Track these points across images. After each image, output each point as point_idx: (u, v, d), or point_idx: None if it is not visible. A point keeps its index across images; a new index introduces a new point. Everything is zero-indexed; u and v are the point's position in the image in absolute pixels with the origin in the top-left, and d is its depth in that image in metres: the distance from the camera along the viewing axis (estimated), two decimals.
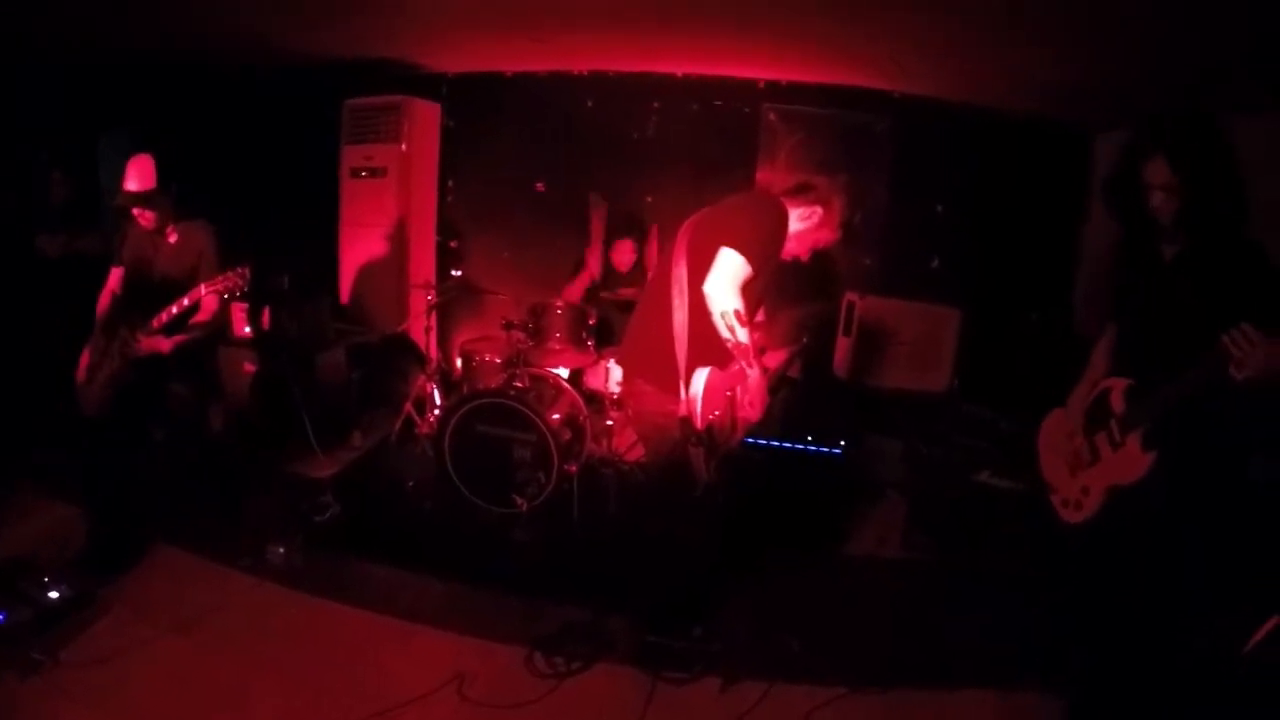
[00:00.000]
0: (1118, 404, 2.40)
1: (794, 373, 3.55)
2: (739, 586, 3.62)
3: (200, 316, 3.65)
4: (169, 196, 3.66)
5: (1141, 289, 2.46)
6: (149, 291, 3.66)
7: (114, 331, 3.66)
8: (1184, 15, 3.20)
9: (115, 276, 3.82)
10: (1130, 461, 2.31)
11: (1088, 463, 2.50)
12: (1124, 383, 2.41)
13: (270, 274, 5.72)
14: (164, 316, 3.51)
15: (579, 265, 5.45)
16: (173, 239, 3.72)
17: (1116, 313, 2.62)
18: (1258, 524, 2.69)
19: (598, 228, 5.45)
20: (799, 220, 2.96)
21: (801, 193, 3.01)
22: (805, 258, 3.08)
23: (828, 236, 3.05)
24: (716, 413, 2.79)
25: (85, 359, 3.69)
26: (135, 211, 3.61)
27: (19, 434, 4.48)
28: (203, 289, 3.49)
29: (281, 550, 3.83)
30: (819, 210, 2.99)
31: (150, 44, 5.55)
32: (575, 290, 5.27)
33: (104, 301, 3.80)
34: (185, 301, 3.51)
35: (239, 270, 3.46)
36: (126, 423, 3.67)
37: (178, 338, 3.60)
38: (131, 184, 3.54)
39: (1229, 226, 2.23)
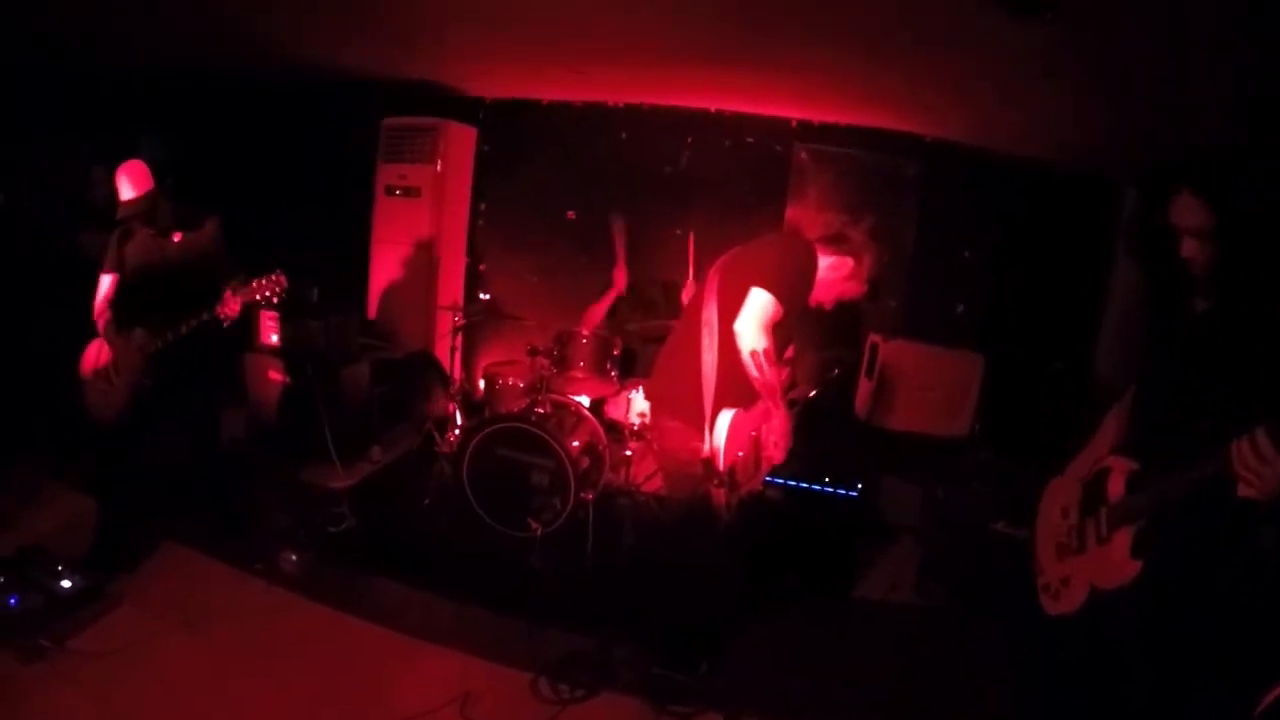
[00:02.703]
0: (1115, 489, 2.10)
1: (797, 395, 3.56)
2: (748, 624, 3.61)
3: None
4: (168, 198, 3.60)
5: (1163, 350, 2.21)
6: (160, 294, 3.62)
7: (127, 335, 3.61)
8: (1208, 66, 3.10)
9: (108, 284, 3.71)
10: (1113, 564, 2.02)
11: (1073, 550, 2.22)
12: (1127, 465, 2.10)
13: (300, 285, 5.81)
14: (192, 324, 3.49)
15: (607, 285, 5.50)
16: (178, 238, 3.68)
17: (1138, 374, 2.33)
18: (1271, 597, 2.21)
19: (620, 245, 5.50)
20: (829, 270, 3.00)
21: (835, 243, 3.05)
22: (829, 307, 3.12)
23: (855, 289, 3.08)
24: (740, 453, 2.82)
25: (91, 360, 3.65)
26: (138, 219, 3.57)
27: (46, 426, 4.56)
28: (229, 295, 3.48)
29: (294, 557, 3.89)
30: (850, 263, 3.03)
31: (191, 54, 5.69)
32: (600, 308, 5.31)
33: (101, 309, 3.69)
34: (217, 312, 3.49)
35: (273, 277, 3.47)
36: (142, 423, 3.67)
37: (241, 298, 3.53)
38: (127, 192, 3.48)
39: (1270, 282, 1.92)
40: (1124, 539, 1.99)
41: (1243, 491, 1.67)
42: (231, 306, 3.49)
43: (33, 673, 2.90)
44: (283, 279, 3.48)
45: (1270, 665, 2.05)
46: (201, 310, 3.48)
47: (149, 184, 3.49)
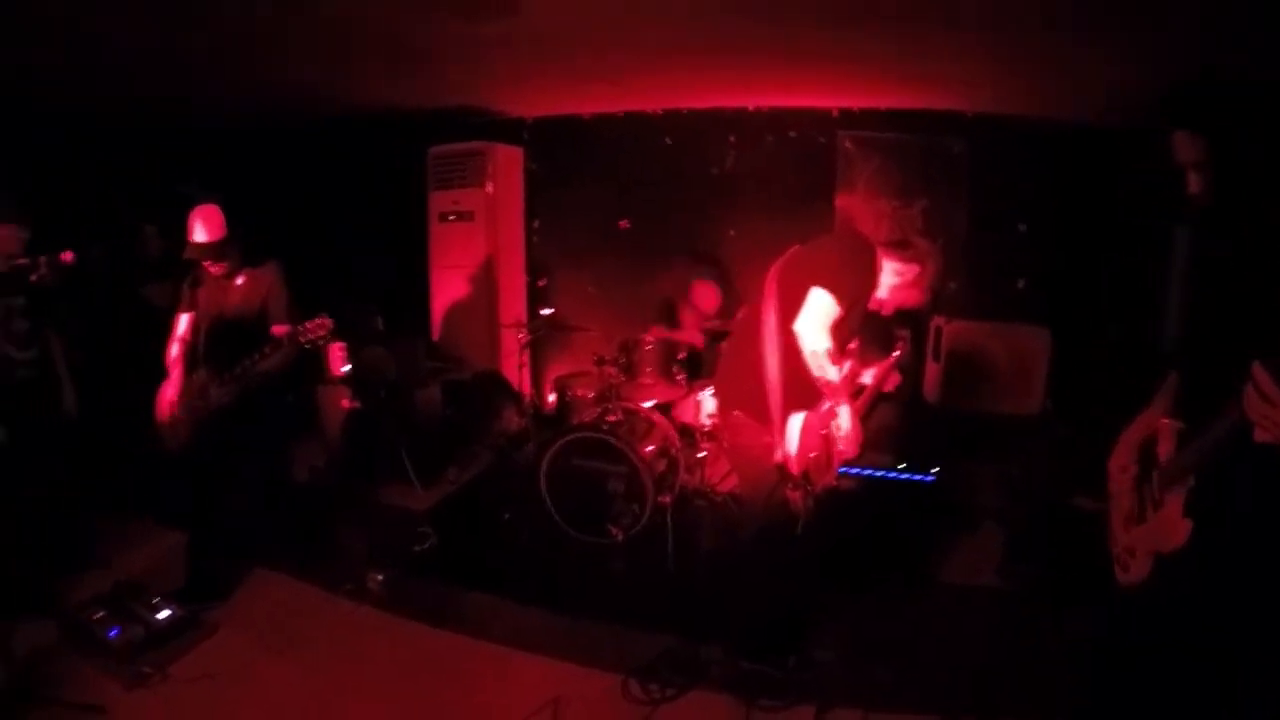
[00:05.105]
0: (1164, 450, 2.06)
1: (889, 387, 3.53)
2: (833, 615, 3.60)
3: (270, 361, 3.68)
4: (237, 244, 3.74)
5: (1194, 297, 2.18)
6: (222, 335, 3.77)
7: (192, 375, 3.78)
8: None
9: (185, 323, 3.88)
10: (1169, 527, 1.97)
11: (1135, 519, 2.19)
12: (1174, 426, 2.04)
13: (365, 315, 6.00)
14: (245, 364, 3.61)
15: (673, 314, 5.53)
16: (240, 281, 3.80)
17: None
18: None
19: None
20: (894, 274, 2.97)
21: (901, 248, 3.00)
22: (888, 312, 3.09)
23: (917, 297, 3.03)
24: (813, 454, 2.85)
25: (165, 400, 3.79)
26: (205, 262, 3.70)
27: (132, 466, 4.72)
28: (285, 337, 3.60)
29: (380, 578, 3.98)
30: (915, 268, 2.97)
31: (239, 104, 5.91)
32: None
33: (175, 348, 3.86)
34: (268, 353, 3.61)
35: (319, 320, 3.55)
36: (216, 458, 3.80)
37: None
38: (199, 235, 3.61)
39: (1267, 208, 1.84)
40: (1176, 501, 1.96)
41: (1258, 436, 1.62)
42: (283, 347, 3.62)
43: (136, 698, 3.04)
44: (327, 321, 3.56)
45: None
46: (255, 353, 3.62)
47: (221, 231, 3.65)
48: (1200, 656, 2.06)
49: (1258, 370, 1.58)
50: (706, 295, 5.37)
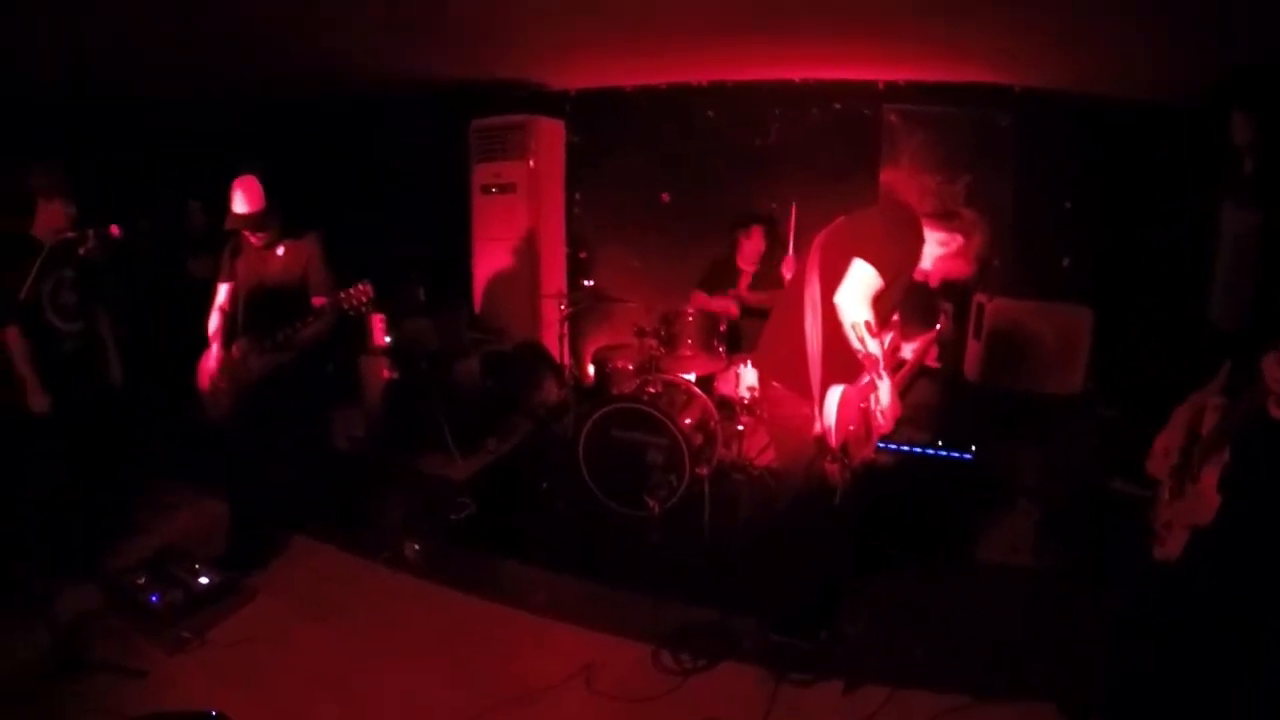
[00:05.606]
0: (1207, 425, 2.09)
1: (931, 361, 3.49)
2: (865, 590, 3.61)
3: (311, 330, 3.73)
4: (276, 214, 3.77)
5: (1248, 277, 2.21)
6: (262, 305, 3.80)
7: (232, 344, 3.82)
8: None
9: (224, 293, 3.91)
10: (1204, 500, 2.01)
11: (1175, 494, 2.22)
12: (1220, 403, 2.08)
13: (407, 286, 6.08)
14: (287, 333, 3.65)
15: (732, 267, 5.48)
16: (280, 251, 3.83)
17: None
18: None
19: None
20: (938, 244, 2.93)
21: (946, 219, 2.96)
22: (934, 284, 3.05)
23: (963, 268, 2.98)
24: (851, 428, 2.85)
25: (205, 370, 3.83)
26: (246, 232, 3.75)
27: (174, 435, 4.88)
28: (326, 305, 3.64)
29: (418, 546, 4.09)
30: (960, 239, 2.92)
31: (286, 77, 5.99)
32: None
33: (215, 318, 3.90)
34: (310, 320, 3.65)
35: (360, 287, 3.58)
36: (257, 427, 3.88)
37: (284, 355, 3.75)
38: (240, 206, 3.63)
39: None
40: (1212, 475, 1.99)
41: (1275, 410, 1.65)
42: (324, 314, 3.67)
43: (177, 663, 3.14)
44: (368, 288, 3.59)
45: None
46: (295, 321, 3.66)
47: (261, 202, 3.68)
48: (1224, 627, 2.08)
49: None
50: (753, 240, 5.30)
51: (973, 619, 3.55)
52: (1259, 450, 1.87)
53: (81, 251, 3.67)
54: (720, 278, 5.41)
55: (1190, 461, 2.13)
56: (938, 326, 3.50)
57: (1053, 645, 3.29)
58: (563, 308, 5.45)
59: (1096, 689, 2.90)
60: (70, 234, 3.58)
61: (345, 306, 3.60)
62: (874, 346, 2.70)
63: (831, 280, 2.78)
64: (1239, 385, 2.02)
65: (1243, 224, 2.29)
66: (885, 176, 5.83)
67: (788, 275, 4.85)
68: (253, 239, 3.78)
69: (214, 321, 3.91)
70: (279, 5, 4.15)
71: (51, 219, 3.62)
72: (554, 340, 5.87)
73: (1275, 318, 1.98)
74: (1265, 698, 2.07)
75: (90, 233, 3.59)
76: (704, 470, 4.33)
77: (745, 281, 5.37)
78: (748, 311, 5.12)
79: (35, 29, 4.33)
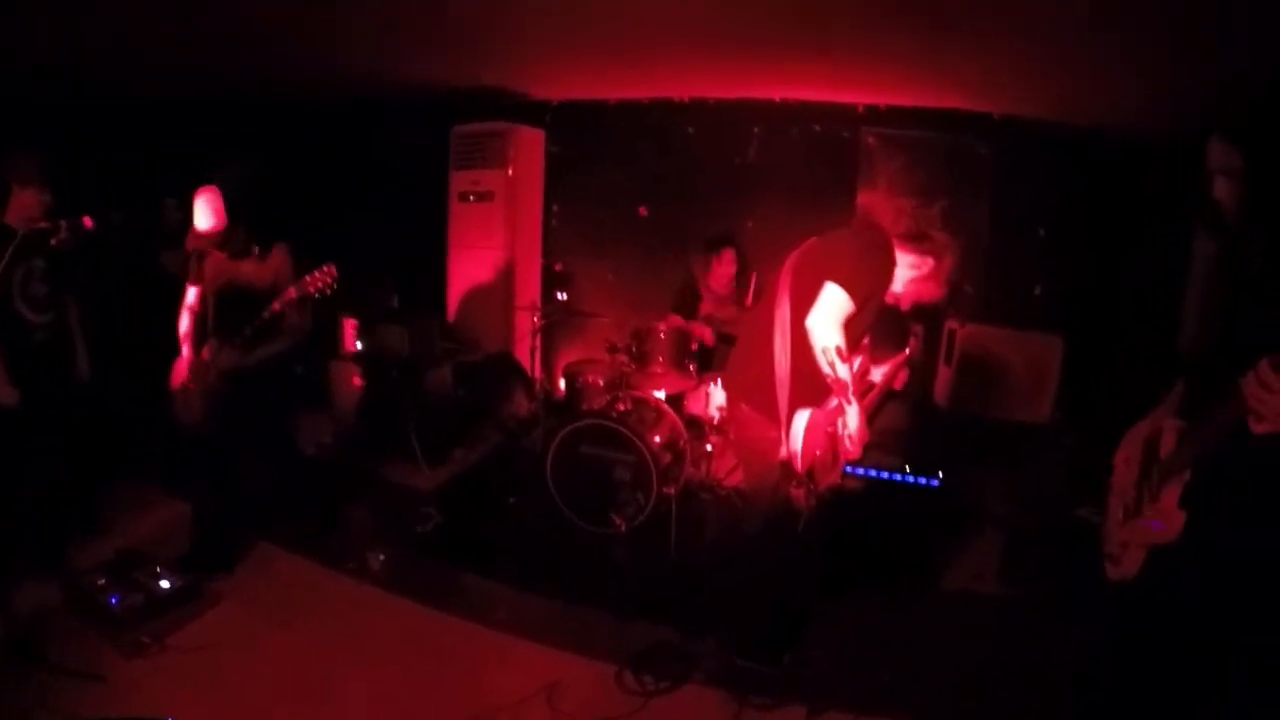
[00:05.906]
0: (1165, 448, 2.09)
1: (898, 385, 3.51)
2: (831, 615, 3.60)
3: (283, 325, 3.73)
4: (239, 229, 3.72)
5: (1207, 301, 2.21)
6: (231, 304, 3.76)
7: (201, 345, 3.80)
8: None
9: (193, 294, 3.88)
10: (1165, 518, 2.01)
11: (1132, 514, 2.22)
12: (1177, 425, 2.08)
13: (381, 292, 6.02)
14: (252, 326, 3.63)
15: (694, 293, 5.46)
16: (247, 262, 3.79)
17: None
18: None
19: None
20: (910, 267, 2.93)
21: (918, 241, 2.96)
22: (905, 307, 3.04)
23: (934, 291, 2.98)
24: (818, 453, 2.84)
25: (177, 370, 3.83)
26: (211, 249, 3.72)
27: (142, 433, 4.79)
28: (291, 290, 3.59)
29: (382, 557, 4.03)
30: (931, 262, 2.93)
31: (266, 78, 5.91)
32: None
33: (184, 319, 3.88)
34: (276, 307, 3.61)
35: (324, 269, 3.56)
36: (224, 430, 3.83)
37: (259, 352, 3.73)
38: (202, 222, 3.60)
39: None
40: (1173, 493, 1.99)
41: (1255, 426, 1.65)
42: (288, 295, 3.61)
43: (135, 667, 3.08)
44: (333, 270, 3.57)
45: None
46: (263, 311, 3.62)
47: (222, 220, 3.63)
48: (1194, 646, 2.08)
49: (1264, 362, 1.61)
50: (724, 263, 5.28)
51: (938, 645, 3.55)
52: (1236, 466, 1.89)
53: (53, 242, 3.59)
54: (692, 301, 5.40)
55: (1150, 482, 2.13)
56: (907, 350, 3.49)
57: (1018, 672, 3.30)
58: (536, 320, 5.42)
59: (1064, 716, 2.91)
60: (43, 223, 3.51)
61: (311, 290, 3.56)
62: (844, 372, 2.69)
63: (802, 303, 2.76)
64: (1196, 406, 2.04)
65: (1208, 248, 2.30)
66: (863, 199, 5.85)
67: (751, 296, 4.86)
68: (216, 255, 3.75)
69: (184, 323, 3.88)
70: (264, 5, 4.08)
71: (25, 207, 3.54)
72: (526, 352, 5.83)
73: (1236, 340, 1.97)
74: (1235, 716, 2.07)
75: (63, 223, 3.52)
76: (671, 489, 4.31)
77: (715, 304, 5.36)
78: (724, 338, 5.09)
79: (35, 29, 4.29)
